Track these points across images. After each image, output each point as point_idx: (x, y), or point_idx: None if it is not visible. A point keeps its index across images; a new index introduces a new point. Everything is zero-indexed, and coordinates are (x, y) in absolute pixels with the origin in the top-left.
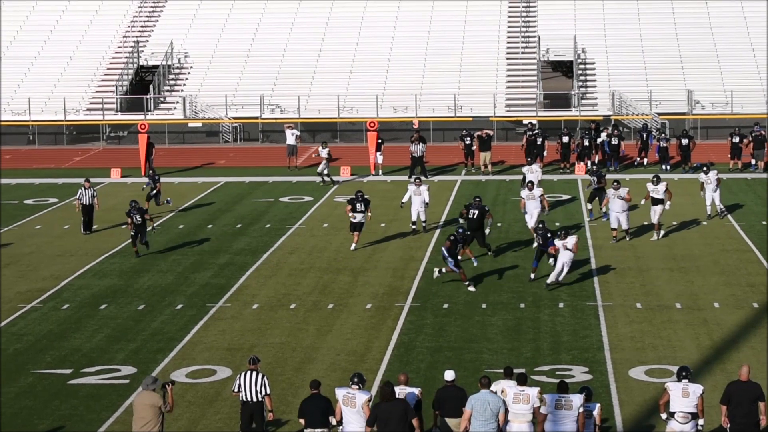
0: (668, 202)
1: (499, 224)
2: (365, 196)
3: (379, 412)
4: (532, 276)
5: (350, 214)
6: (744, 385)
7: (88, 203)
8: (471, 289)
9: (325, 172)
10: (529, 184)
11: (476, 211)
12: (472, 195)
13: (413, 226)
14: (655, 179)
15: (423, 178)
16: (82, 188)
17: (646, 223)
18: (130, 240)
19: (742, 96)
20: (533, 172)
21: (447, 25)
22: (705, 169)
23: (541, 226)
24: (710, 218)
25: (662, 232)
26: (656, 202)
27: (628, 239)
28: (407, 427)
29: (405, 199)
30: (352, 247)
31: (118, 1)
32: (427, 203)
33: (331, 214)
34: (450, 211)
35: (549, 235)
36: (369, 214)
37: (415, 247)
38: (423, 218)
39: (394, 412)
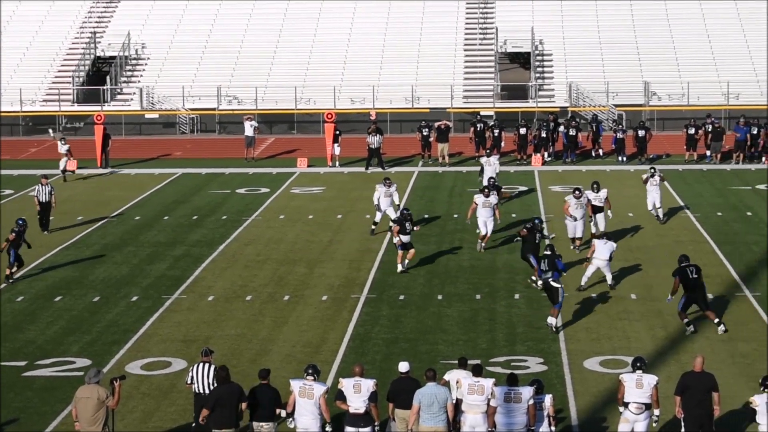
0: (609, 211)
1: (455, 215)
2: (410, 213)
3: (217, 395)
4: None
5: (397, 238)
6: (698, 375)
7: (45, 200)
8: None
9: (63, 167)
10: (485, 191)
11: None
12: (429, 186)
13: (374, 227)
14: (595, 186)
15: (389, 180)
16: (39, 185)
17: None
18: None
19: (698, 87)
20: (491, 164)
21: (405, 17)
22: (651, 170)
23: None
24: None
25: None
26: (597, 210)
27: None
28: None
29: (376, 201)
30: (399, 268)
31: None
32: (397, 204)
33: (287, 205)
34: (406, 203)
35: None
36: (416, 228)
37: (371, 239)
38: (392, 217)
39: (230, 394)
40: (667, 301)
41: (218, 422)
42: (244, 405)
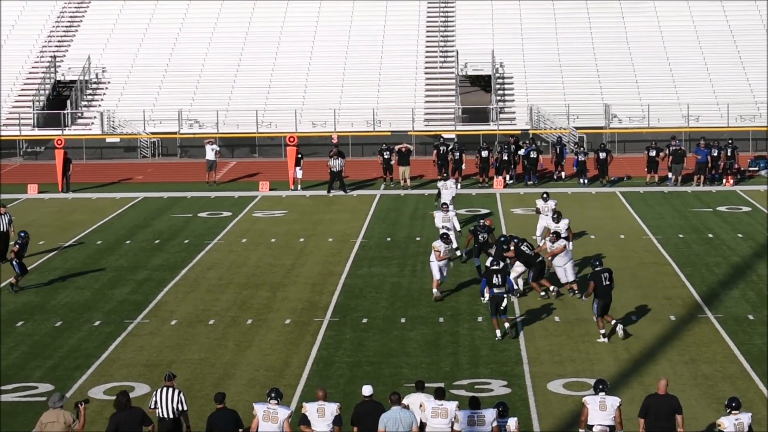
0: (570, 243)
1: (417, 238)
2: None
3: (119, 419)
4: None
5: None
6: (662, 398)
7: (3, 230)
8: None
9: None
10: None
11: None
12: (391, 209)
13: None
14: (556, 217)
15: (446, 206)
16: None
17: None
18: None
19: (658, 110)
20: (448, 188)
21: (365, 40)
22: (544, 195)
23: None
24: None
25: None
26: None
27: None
28: None
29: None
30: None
31: (35, 15)
32: (458, 230)
33: (250, 229)
34: (369, 226)
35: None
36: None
37: (334, 262)
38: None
39: (134, 418)
40: (582, 300)
41: None
42: (150, 428)
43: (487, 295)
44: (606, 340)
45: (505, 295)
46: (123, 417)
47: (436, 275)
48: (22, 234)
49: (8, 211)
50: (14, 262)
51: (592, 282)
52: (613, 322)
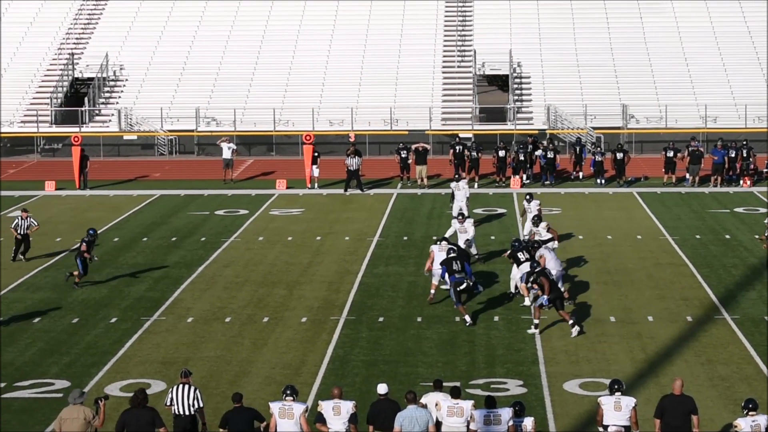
0: (556, 242)
1: (434, 237)
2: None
3: (127, 418)
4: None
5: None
6: (677, 398)
7: (24, 233)
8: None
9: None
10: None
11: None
12: (408, 208)
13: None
14: (536, 220)
15: (462, 216)
16: (19, 218)
17: None
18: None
19: (676, 110)
20: (461, 189)
21: (383, 39)
22: (528, 197)
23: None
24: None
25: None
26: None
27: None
28: None
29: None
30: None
31: (53, 12)
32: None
33: (266, 227)
34: (385, 225)
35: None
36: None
37: (350, 261)
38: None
39: (143, 418)
40: (545, 302)
41: None
42: (162, 430)
43: (449, 281)
44: (536, 331)
45: (465, 280)
46: (133, 415)
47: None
48: (91, 232)
49: (30, 215)
50: (78, 260)
51: (543, 278)
52: (571, 321)
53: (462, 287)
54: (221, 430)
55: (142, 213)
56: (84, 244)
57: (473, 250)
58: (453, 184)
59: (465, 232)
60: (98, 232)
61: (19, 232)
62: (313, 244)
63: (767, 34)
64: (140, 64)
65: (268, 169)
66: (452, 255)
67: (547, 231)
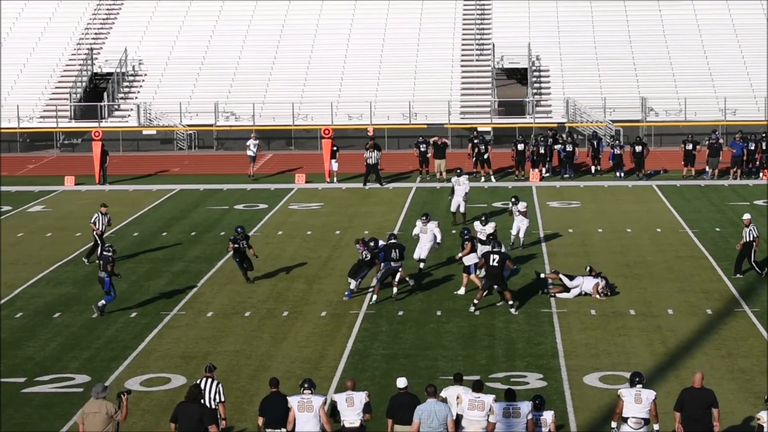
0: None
1: (453, 231)
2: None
3: (179, 411)
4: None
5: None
6: (697, 391)
7: (102, 230)
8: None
9: None
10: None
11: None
12: (427, 202)
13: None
14: (484, 219)
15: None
16: (99, 213)
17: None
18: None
19: (695, 103)
20: (461, 184)
21: (401, 33)
22: (513, 199)
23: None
24: (512, 248)
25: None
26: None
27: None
28: (202, 429)
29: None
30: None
31: (72, 8)
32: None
33: (285, 221)
34: (405, 219)
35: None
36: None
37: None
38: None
39: (191, 413)
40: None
41: None
42: (213, 428)
43: (384, 267)
44: (475, 311)
45: (400, 269)
46: (184, 408)
47: (416, 253)
48: (239, 229)
49: (108, 211)
50: (237, 260)
51: (482, 259)
52: (510, 302)
53: (396, 278)
54: (260, 418)
55: (162, 208)
56: (231, 243)
57: (434, 247)
58: (454, 179)
59: (426, 233)
60: (118, 227)
61: (99, 227)
62: (332, 239)
63: None
64: (159, 58)
65: (288, 164)
66: (392, 242)
67: (493, 232)
